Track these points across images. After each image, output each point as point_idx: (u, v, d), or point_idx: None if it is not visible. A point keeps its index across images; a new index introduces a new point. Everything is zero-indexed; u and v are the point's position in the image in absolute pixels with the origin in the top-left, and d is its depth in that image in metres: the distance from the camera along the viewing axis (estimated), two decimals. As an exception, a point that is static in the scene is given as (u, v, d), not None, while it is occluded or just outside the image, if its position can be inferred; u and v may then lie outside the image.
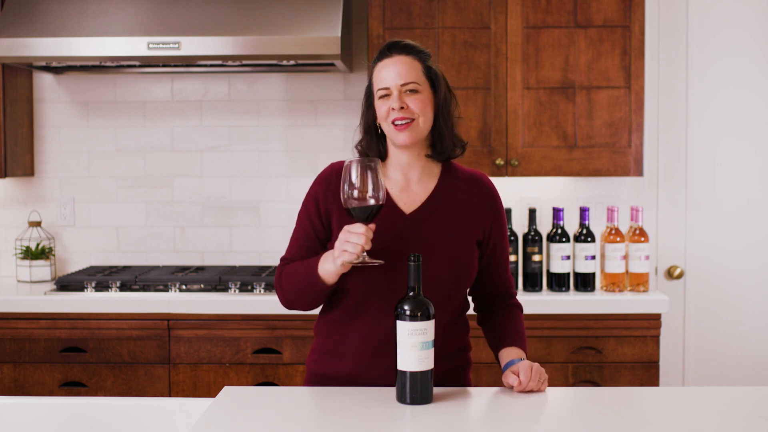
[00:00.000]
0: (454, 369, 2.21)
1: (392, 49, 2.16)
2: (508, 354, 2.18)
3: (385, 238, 2.12)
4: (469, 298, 2.33)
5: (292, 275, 2.18)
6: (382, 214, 2.14)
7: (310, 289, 2.13)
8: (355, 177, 2.00)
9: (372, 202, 2.00)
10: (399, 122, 2.12)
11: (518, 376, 2.09)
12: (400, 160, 2.20)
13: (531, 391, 2.09)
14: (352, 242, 1.99)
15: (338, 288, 2.15)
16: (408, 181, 2.21)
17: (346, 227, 2.02)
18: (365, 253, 2.01)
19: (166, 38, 3.36)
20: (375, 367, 2.14)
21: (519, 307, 2.32)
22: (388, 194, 2.18)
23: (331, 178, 2.20)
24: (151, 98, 3.94)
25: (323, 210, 2.19)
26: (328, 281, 2.10)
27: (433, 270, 2.12)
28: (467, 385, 2.26)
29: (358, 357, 2.16)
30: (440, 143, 2.20)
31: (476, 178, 2.26)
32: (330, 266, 2.06)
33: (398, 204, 2.19)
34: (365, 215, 2.01)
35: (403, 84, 2.12)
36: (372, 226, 2.02)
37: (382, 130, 2.19)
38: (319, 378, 2.22)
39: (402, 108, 2.12)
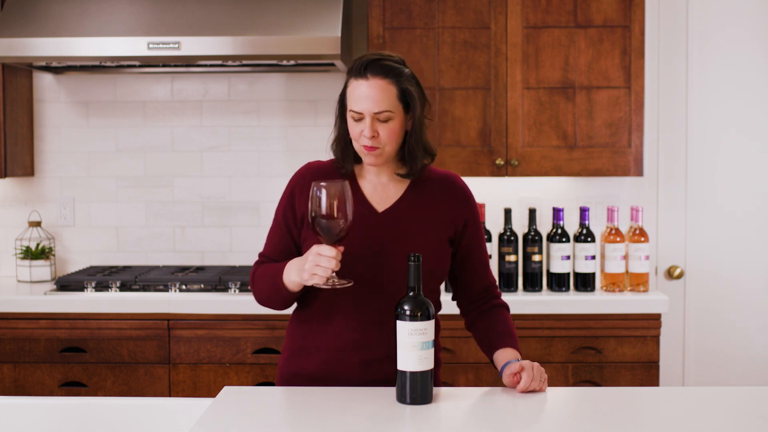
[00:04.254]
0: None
1: (368, 69, 2.11)
2: (503, 356, 2.19)
3: (357, 236, 2.15)
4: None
5: (262, 278, 2.21)
6: (356, 213, 2.15)
7: (277, 296, 2.17)
8: (324, 200, 1.99)
9: (341, 225, 2.00)
10: (367, 148, 2.13)
11: (521, 376, 2.09)
12: (372, 168, 2.22)
13: (533, 391, 2.09)
14: (323, 266, 2.00)
15: (308, 288, 2.18)
16: (381, 180, 2.23)
17: (316, 249, 2.02)
18: (334, 274, 2.02)
19: (166, 38, 3.36)
20: (344, 363, 2.17)
21: (505, 306, 2.32)
22: (362, 193, 2.21)
23: (306, 177, 2.23)
24: (151, 98, 3.94)
25: (297, 208, 2.22)
26: (294, 290, 2.13)
27: (405, 267, 2.12)
28: (437, 384, 2.26)
29: (327, 354, 2.18)
30: (411, 162, 2.19)
31: (448, 179, 2.28)
32: (296, 278, 2.08)
33: (371, 202, 2.21)
34: (334, 239, 2.01)
35: (377, 113, 2.10)
36: (341, 248, 2.02)
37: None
38: (290, 377, 2.24)
39: (372, 137, 2.11)
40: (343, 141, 2.21)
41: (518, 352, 2.21)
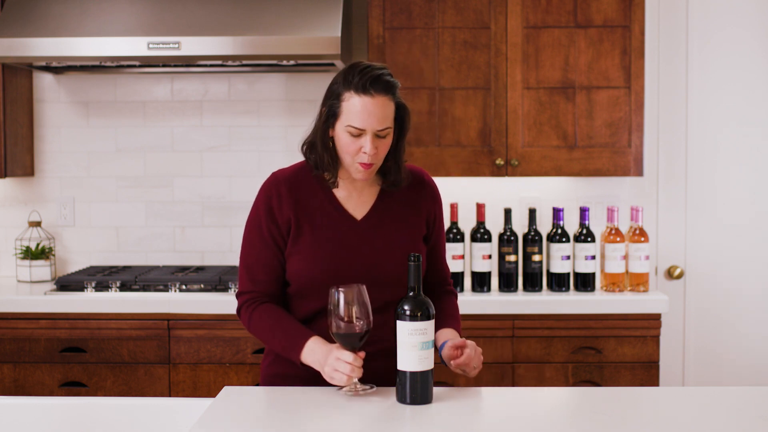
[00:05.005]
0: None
1: (374, 86, 2.08)
2: (443, 335, 2.20)
3: (339, 246, 2.17)
4: None
5: (268, 332, 2.18)
6: (336, 222, 2.18)
7: (284, 355, 2.17)
8: (342, 307, 1.99)
9: (358, 330, 1.99)
10: (365, 165, 2.13)
11: (463, 351, 2.10)
12: (349, 174, 2.22)
13: (463, 372, 2.11)
14: (341, 371, 2.00)
15: (295, 298, 2.22)
16: (355, 186, 2.23)
17: (336, 353, 2.01)
18: (356, 380, 2.02)
19: (166, 38, 3.36)
20: None
21: (454, 293, 2.38)
22: (336, 200, 2.21)
23: (280, 185, 2.21)
24: (151, 98, 3.94)
25: (281, 219, 2.19)
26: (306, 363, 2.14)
27: (389, 272, 2.17)
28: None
29: None
30: (395, 173, 2.21)
31: (416, 176, 2.30)
32: (317, 367, 2.08)
33: (349, 210, 2.22)
34: (352, 344, 2.00)
35: (380, 130, 2.11)
36: (362, 354, 2.01)
37: (334, 144, 2.17)
38: (274, 378, 2.25)
39: (374, 154, 2.12)
40: (321, 147, 2.17)
41: (458, 333, 2.24)
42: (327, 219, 2.20)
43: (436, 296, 2.30)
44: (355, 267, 2.16)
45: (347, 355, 1.99)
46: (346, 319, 1.98)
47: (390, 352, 2.07)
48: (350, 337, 2.00)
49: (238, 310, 2.25)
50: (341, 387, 2.02)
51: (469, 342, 2.13)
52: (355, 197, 2.23)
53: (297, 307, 2.23)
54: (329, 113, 2.14)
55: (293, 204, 2.20)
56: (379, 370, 2.13)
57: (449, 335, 2.20)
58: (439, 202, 2.32)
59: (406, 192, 2.25)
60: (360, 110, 2.09)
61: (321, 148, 2.17)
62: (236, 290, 3.14)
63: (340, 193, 2.23)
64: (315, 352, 2.08)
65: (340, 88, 2.12)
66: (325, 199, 2.22)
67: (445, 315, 2.28)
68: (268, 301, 2.22)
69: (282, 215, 2.19)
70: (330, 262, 2.17)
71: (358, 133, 2.10)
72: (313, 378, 2.14)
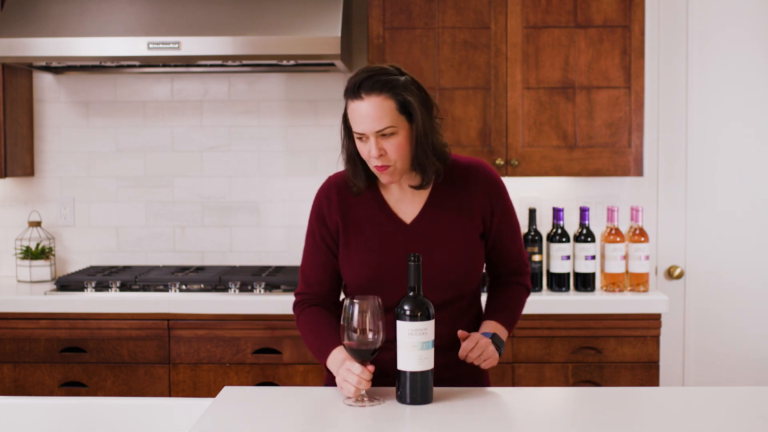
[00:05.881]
0: (475, 368, 2.21)
1: (362, 88, 2.06)
2: (482, 327, 2.20)
3: (386, 251, 2.16)
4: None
5: (309, 334, 2.22)
6: (384, 227, 2.17)
7: (317, 358, 2.21)
8: (355, 318, 1.97)
9: (370, 344, 1.98)
10: (378, 168, 2.11)
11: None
12: None
13: (472, 363, 2.13)
14: (349, 382, 2.00)
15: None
16: (404, 189, 2.20)
17: (347, 364, 2.01)
18: (364, 392, 2.01)
19: (166, 38, 3.36)
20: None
21: (518, 283, 2.31)
22: (387, 205, 2.20)
23: (331, 189, 2.22)
24: (151, 98, 3.94)
25: (330, 223, 2.21)
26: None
27: (440, 275, 2.14)
28: (487, 384, 2.27)
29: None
30: (423, 173, 2.15)
31: (473, 169, 2.23)
32: (334, 373, 2.09)
33: (398, 214, 2.20)
34: (363, 357, 1.99)
35: (379, 131, 2.07)
36: (371, 367, 2.00)
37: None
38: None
39: (380, 156, 2.09)
40: (353, 160, 2.17)
41: (502, 325, 2.21)
42: (375, 224, 2.19)
43: (498, 285, 2.30)
44: (402, 271, 2.11)
45: (356, 368, 1.99)
46: (358, 331, 1.97)
47: (448, 347, 2.14)
48: (362, 349, 1.98)
49: (293, 308, 2.29)
50: (350, 396, 2.02)
51: (474, 335, 2.12)
52: (406, 200, 2.20)
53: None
54: (345, 125, 2.16)
55: (342, 209, 2.21)
56: (441, 363, 2.13)
57: (486, 328, 2.19)
58: (498, 196, 2.22)
59: (460, 189, 2.20)
60: (355, 114, 2.08)
61: (345, 160, 2.18)
62: (238, 288, 3.15)
63: (391, 196, 2.21)
64: (336, 361, 2.10)
65: (345, 99, 2.13)
66: (375, 204, 2.20)
67: (494, 305, 2.26)
68: (317, 304, 2.25)
69: (331, 220, 2.21)
70: (376, 267, 2.16)
71: (363, 138, 2.09)
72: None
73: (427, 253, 2.14)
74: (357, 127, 2.09)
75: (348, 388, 2.00)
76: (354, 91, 2.08)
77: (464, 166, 2.23)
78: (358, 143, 2.12)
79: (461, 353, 2.11)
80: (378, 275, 2.16)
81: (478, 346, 2.11)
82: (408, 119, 2.10)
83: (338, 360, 2.09)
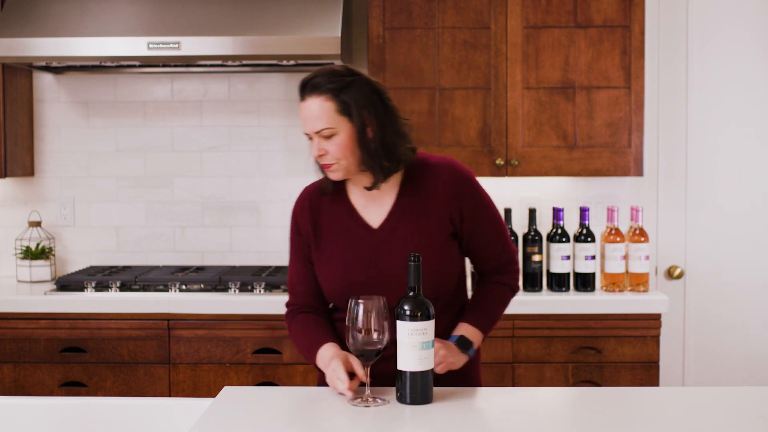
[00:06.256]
0: (461, 367, 2.22)
1: (305, 90, 2.11)
2: (455, 329, 2.20)
3: (354, 258, 2.17)
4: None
5: (298, 338, 2.26)
6: (351, 233, 2.18)
7: (309, 361, 2.24)
8: (360, 318, 1.97)
9: (375, 344, 1.98)
10: (324, 166, 2.15)
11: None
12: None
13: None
14: (337, 388, 2.03)
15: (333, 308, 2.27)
16: (372, 194, 2.20)
17: (333, 365, 2.04)
18: (368, 392, 2.01)
19: (166, 38, 3.36)
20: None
21: (501, 283, 2.28)
22: (355, 211, 2.21)
23: (304, 200, 2.26)
24: (151, 98, 3.94)
25: (304, 233, 2.25)
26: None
27: (405, 278, 2.13)
28: (478, 384, 2.27)
29: None
30: (373, 174, 2.15)
31: (440, 168, 2.21)
32: (322, 367, 2.14)
33: (366, 219, 2.21)
34: (368, 357, 1.99)
35: (318, 131, 2.10)
36: (354, 383, 2.03)
37: None
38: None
39: (320, 155, 2.12)
40: (315, 159, 2.20)
41: (474, 326, 2.19)
42: (344, 230, 2.20)
43: (479, 284, 2.30)
44: (371, 277, 2.15)
45: (342, 374, 2.02)
46: (363, 331, 1.97)
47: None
48: (366, 350, 1.98)
49: (285, 318, 2.33)
50: (354, 398, 2.02)
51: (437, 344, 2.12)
52: (375, 205, 2.21)
53: (336, 317, 2.27)
54: None
55: (313, 218, 2.23)
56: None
57: (456, 330, 2.20)
58: (468, 195, 2.21)
59: (428, 189, 2.19)
60: (300, 115, 2.14)
61: (315, 161, 2.20)
62: (238, 288, 3.14)
63: (359, 201, 2.22)
64: (323, 359, 2.13)
65: None
66: (343, 210, 2.22)
67: (470, 306, 2.26)
68: (306, 312, 2.27)
69: (305, 230, 2.24)
70: (345, 274, 2.18)
71: (309, 137, 2.14)
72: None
73: (395, 258, 2.15)
74: (303, 128, 2.14)
75: (337, 384, 2.03)
76: (300, 91, 2.13)
77: (432, 166, 2.22)
78: (310, 143, 2.16)
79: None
80: (347, 282, 2.18)
81: (439, 355, 2.11)
82: (350, 120, 2.11)
83: (326, 358, 2.11)
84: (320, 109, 2.09)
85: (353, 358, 2.05)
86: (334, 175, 2.15)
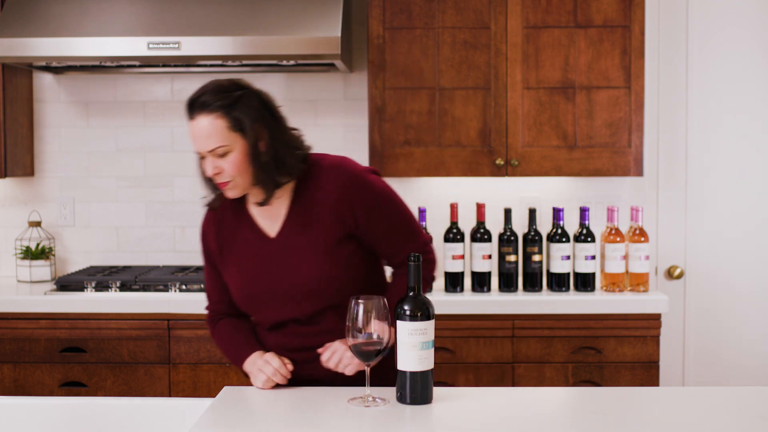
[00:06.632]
0: (377, 367, 2.21)
1: (193, 108, 2.07)
2: None
3: (254, 269, 2.18)
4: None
5: (222, 342, 2.30)
6: (251, 244, 2.19)
7: (235, 365, 2.29)
8: (360, 318, 1.97)
9: (375, 343, 1.98)
10: (219, 184, 2.12)
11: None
12: None
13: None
14: (264, 372, 2.12)
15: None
16: (269, 203, 2.19)
17: (267, 357, 2.13)
18: (369, 391, 2.02)
19: (166, 38, 3.36)
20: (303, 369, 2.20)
21: (396, 274, 2.25)
22: (254, 222, 2.21)
23: (209, 215, 2.28)
24: (151, 98, 3.94)
25: (212, 248, 2.27)
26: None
27: (306, 285, 2.15)
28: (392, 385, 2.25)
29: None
30: (264, 189, 2.13)
31: (330, 171, 2.17)
32: (250, 371, 2.19)
33: (264, 230, 2.21)
34: (367, 357, 2.00)
35: (210, 150, 2.07)
36: (290, 366, 2.13)
37: None
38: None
39: (216, 174, 2.09)
40: (203, 176, 2.18)
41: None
42: (244, 242, 2.21)
43: (392, 279, 2.28)
44: (273, 286, 2.16)
45: (275, 361, 2.11)
46: (363, 331, 1.96)
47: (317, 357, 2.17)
48: (366, 350, 1.98)
49: (207, 323, 2.38)
50: (355, 398, 2.02)
51: (328, 344, 2.14)
52: (271, 214, 2.20)
53: (255, 321, 2.31)
54: None
55: (218, 232, 2.24)
56: (317, 373, 2.19)
57: None
58: (361, 191, 2.15)
59: (321, 192, 2.15)
60: (191, 134, 2.10)
61: (201, 173, 2.17)
62: None
63: (257, 211, 2.21)
64: (254, 364, 2.18)
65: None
66: (244, 222, 2.22)
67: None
68: (226, 317, 2.31)
69: (212, 245, 2.26)
70: (247, 286, 2.19)
71: (201, 156, 2.11)
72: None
73: (291, 266, 2.15)
74: (194, 147, 2.10)
75: (261, 377, 2.11)
76: (188, 110, 2.09)
77: (323, 169, 2.18)
78: (200, 162, 2.13)
79: (324, 365, 2.14)
80: (250, 293, 2.20)
81: (335, 355, 2.12)
82: (243, 136, 2.07)
83: (257, 363, 2.16)
84: (211, 127, 2.05)
85: (282, 359, 2.14)
86: (232, 193, 2.13)
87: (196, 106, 2.07)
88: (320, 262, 2.14)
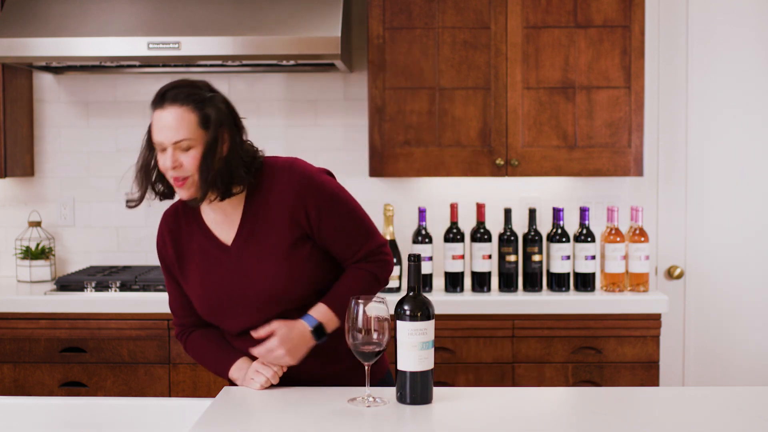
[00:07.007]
0: (344, 372, 2.20)
1: (166, 98, 2.05)
2: (314, 310, 2.15)
3: (216, 276, 2.15)
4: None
5: (199, 355, 2.27)
6: (207, 253, 2.16)
7: (216, 374, 2.28)
8: (360, 319, 1.96)
9: (375, 344, 1.97)
10: (175, 180, 2.07)
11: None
12: None
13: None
14: (261, 373, 2.12)
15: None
16: (224, 209, 2.16)
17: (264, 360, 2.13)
18: (369, 391, 2.02)
19: (166, 38, 3.36)
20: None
21: (363, 269, 2.18)
22: (209, 230, 2.18)
23: (163, 227, 2.24)
24: (151, 98, 3.93)
25: (169, 260, 2.23)
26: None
27: (265, 291, 2.13)
28: (384, 379, 2.27)
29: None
30: (222, 185, 2.09)
31: (281, 173, 2.14)
32: (239, 378, 2.18)
33: (220, 238, 2.17)
34: (367, 358, 1.99)
35: (176, 142, 2.04)
36: (285, 367, 2.13)
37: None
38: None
39: (175, 168, 2.05)
40: (145, 170, 2.15)
41: (327, 306, 2.13)
42: (201, 252, 2.17)
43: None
44: (234, 295, 2.14)
45: (267, 370, 2.12)
46: (363, 331, 1.96)
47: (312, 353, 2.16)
48: (365, 351, 1.97)
49: (177, 338, 2.33)
50: (355, 398, 2.02)
51: (276, 330, 2.11)
52: (226, 221, 2.17)
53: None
54: (148, 136, 2.13)
55: (173, 244, 2.21)
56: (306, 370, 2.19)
57: (319, 314, 2.14)
58: (313, 191, 2.13)
59: (273, 195, 2.13)
60: (157, 123, 2.06)
61: (137, 169, 2.15)
62: None
63: (211, 218, 2.18)
64: (242, 369, 2.18)
65: (151, 107, 2.11)
66: (198, 231, 2.18)
67: (330, 291, 2.18)
68: (195, 330, 2.28)
69: (168, 257, 2.22)
70: (207, 296, 2.17)
71: (162, 148, 2.07)
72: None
73: (250, 273, 2.13)
74: (157, 136, 2.06)
75: (260, 379, 2.10)
76: (158, 100, 2.07)
77: (276, 171, 2.15)
78: (159, 156, 2.09)
79: (257, 353, 2.15)
80: (212, 304, 2.17)
81: (266, 352, 2.12)
82: (207, 135, 2.06)
83: (244, 368, 2.17)
84: (182, 119, 2.03)
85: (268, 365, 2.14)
86: (186, 193, 2.07)
87: (168, 97, 2.05)
88: (278, 267, 2.12)
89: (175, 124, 2.04)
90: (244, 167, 2.11)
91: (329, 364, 2.20)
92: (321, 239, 2.15)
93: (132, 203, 2.17)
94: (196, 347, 2.26)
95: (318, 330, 2.12)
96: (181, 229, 2.21)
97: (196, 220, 2.19)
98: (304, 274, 2.14)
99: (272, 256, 2.12)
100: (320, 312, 2.13)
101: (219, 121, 2.07)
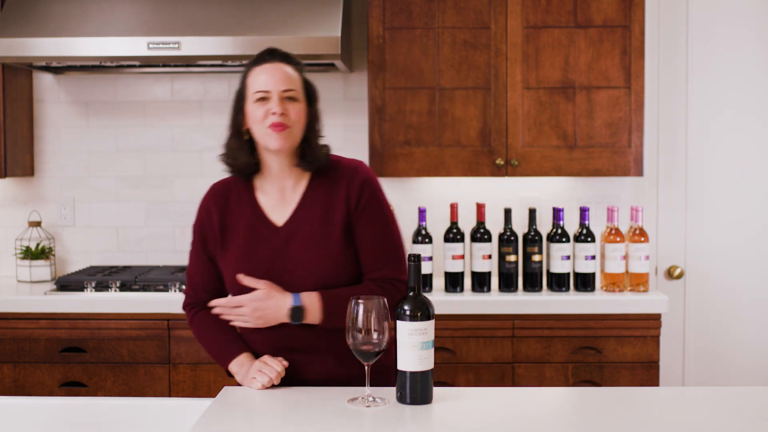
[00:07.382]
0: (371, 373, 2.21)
1: (273, 55, 2.18)
2: (305, 297, 2.15)
3: (261, 255, 2.17)
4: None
5: (205, 335, 2.27)
6: (256, 232, 2.19)
7: (215, 359, 2.29)
8: (360, 318, 1.96)
9: (375, 344, 1.97)
10: (276, 126, 2.12)
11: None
12: (272, 169, 2.21)
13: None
14: (264, 372, 2.12)
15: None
16: (283, 192, 2.22)
17: (265, 358, 2.14)
18: (368, 391, 2.02)
19: (166, 38, 3.36)
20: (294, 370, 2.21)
21: (376, 285, 2.19)
22: (261, 210, 2.21)
23: (210, 199, 2.27)
24: (151, 98, 3.94)
25: (210, 232, 2.24)
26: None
27: (311, 274, 2.15)
28: (389, 381, 2.20)
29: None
30: (310, 154, 2.19)
31: (347, 170, 2.23)
32: (239, 375, 2.19)
33: (271, 218, 2.21)
34: (366, 358, 1.99)
35: (285, 90, 2.14)
36: (285, 363, 2.15)
37: (250, 137, 2.19)
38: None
39: (282, 114, 2.12)
40: (237, 138, 2.19)
41: (320, 297, 2.14)
42: (249, 229, 2.21)
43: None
44: (270, 274, 2.16)
45: (277, 365, 2.12)
46: (363, 331, 1.96)
47: (322, 352, 2.18)
48: (365, 351, 1.97)
49: (183, 308, 2.34)
50: (355, 398, 2.02)
51: (258, 293, 2.13)
52: (281, 203, 2.22)
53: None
54: (238, 97, 2.20)
55: (221, 217, 2.24)
56: (328, 366, 2.20)
57: (308, 301, 2.14)
58: (369, 193, 2.20)
59: (331, 188, 2.21)
60: (263, 74, 2.15)
61: (230, 135, 2.20)
62: None
63: (266, 199, 2.23)
64: (243, 365, 2.18)
65: (245, 73, 2.20)
66: (249, 209, 2.22)
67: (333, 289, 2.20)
68: (207, 310, 2.28)
69: (211, 229, 2.24)
70: (246, 273, 2.17)
71: (264, 96, 2.14)
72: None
73: (296, 256, 2.16)
74: (261, 86, 2.14)
75: (262, 378, 2.10)
76: (260, 58, 2.18)
77: (342, 166, 2.24)
78: (254, 107, 2.15)
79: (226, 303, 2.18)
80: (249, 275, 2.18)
81: (245, 307, 2.13)
82: (307, 98, 2.19)
83: (246, 364, 2.17)
84: (293, 74, 2.17)
85: (279, 359, 2.15)
86: (282, 142, 2.14)
87: (277, 54, 2.19)
88: (322, 252, 2.16)
89: (285, 77, 2.15)
90: (320, 146, 2.22)
91: (352, 366, 2.16)
92: (357, 236, 2.20)
93: (236, 169, 2.22)
94: (203, 327, 2.27)
95: (296, 311, 2.13)
96: (229, 204, 2.25)
97: (250, 199, 2.23)
98: (344, 269, 2.18)
99: (321, 242, 2.16)
100: (310, 298, 2.15)
101: (316, 96, 2.22)
